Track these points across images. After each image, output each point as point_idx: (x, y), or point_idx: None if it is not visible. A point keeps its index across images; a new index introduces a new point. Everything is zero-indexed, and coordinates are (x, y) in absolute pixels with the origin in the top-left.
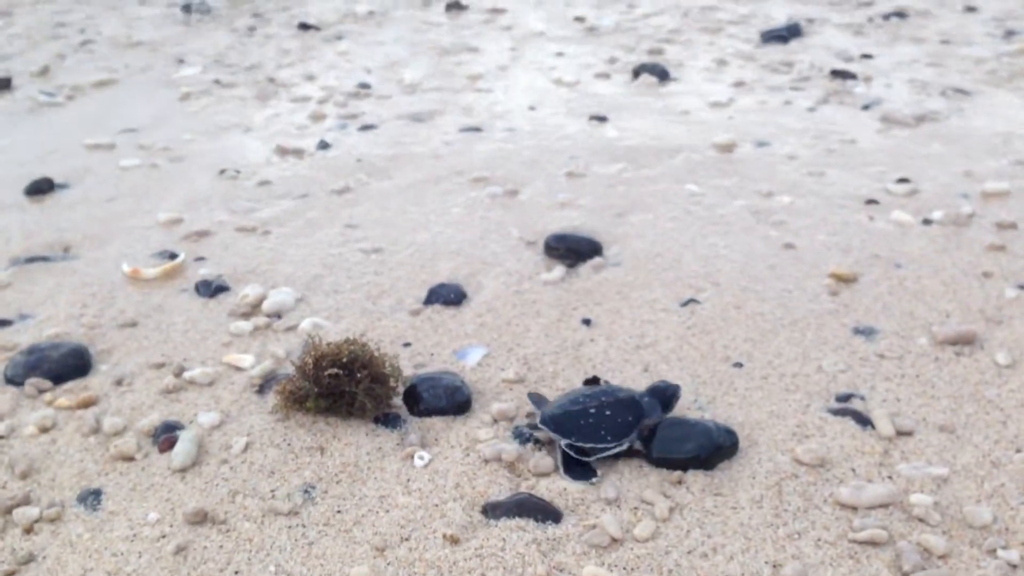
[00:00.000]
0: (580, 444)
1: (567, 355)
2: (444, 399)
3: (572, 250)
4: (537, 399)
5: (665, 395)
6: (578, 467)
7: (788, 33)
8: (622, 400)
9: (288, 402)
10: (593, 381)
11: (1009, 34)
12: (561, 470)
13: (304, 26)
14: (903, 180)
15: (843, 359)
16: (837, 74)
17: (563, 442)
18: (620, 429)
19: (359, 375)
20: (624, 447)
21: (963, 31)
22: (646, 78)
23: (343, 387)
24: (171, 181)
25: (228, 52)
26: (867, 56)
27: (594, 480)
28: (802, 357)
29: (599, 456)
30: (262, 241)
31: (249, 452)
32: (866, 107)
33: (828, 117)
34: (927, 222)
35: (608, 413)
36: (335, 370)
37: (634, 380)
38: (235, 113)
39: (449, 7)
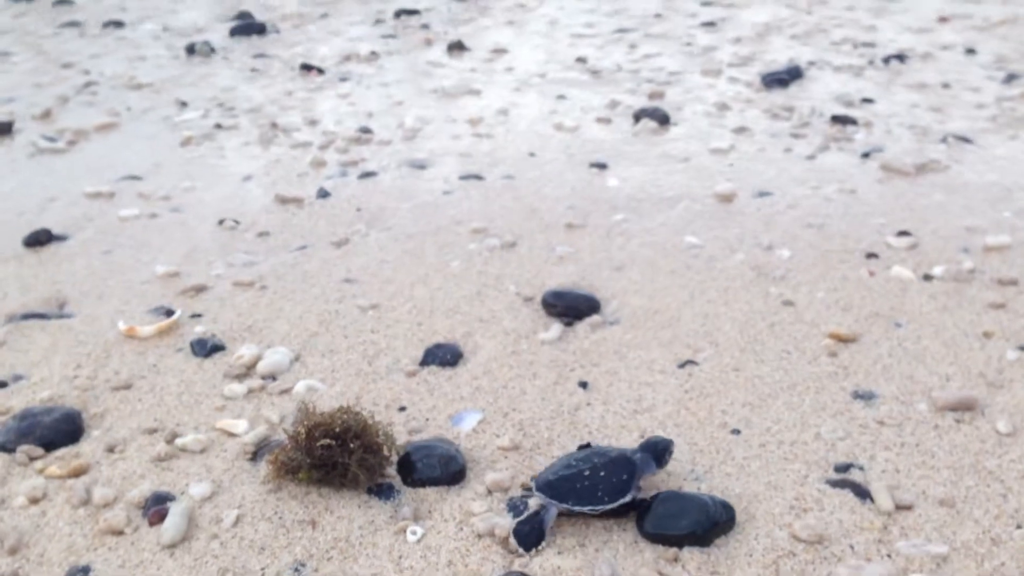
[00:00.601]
0: (578, 508)
1: (563, 420)
2: (438, 469)
3: (570, 307)
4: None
5: (657, 450)
6: (532, 535)
7: (789, 76)
8: (614, 459)
9: (280, 472)
10: (586, 447)
11: (1010, 78)
12: (511, 537)
13: (307, 67)
14: (903, 233)
15: (842, 426)
16: (837, 120)
17: (560, 507)
18: (615, 488)
19: (352, 445)
20: (623, 503)
21: (964, 75)
22: (646, 123)
23: (336, 458)
24: (170, 232)
25: (230, 94)
26: (868, 100)
27: (540, 547)
28: (801, 423)
29: (601, 510)
30: (259, 296)
31: (240, 526)
32: (866, 155)
33: (828, 165)
34: (927, 278)
35: (602, 474)
36: (328, 441)
37: (632, 446)
38: (236, 159)
39: (451, 48)
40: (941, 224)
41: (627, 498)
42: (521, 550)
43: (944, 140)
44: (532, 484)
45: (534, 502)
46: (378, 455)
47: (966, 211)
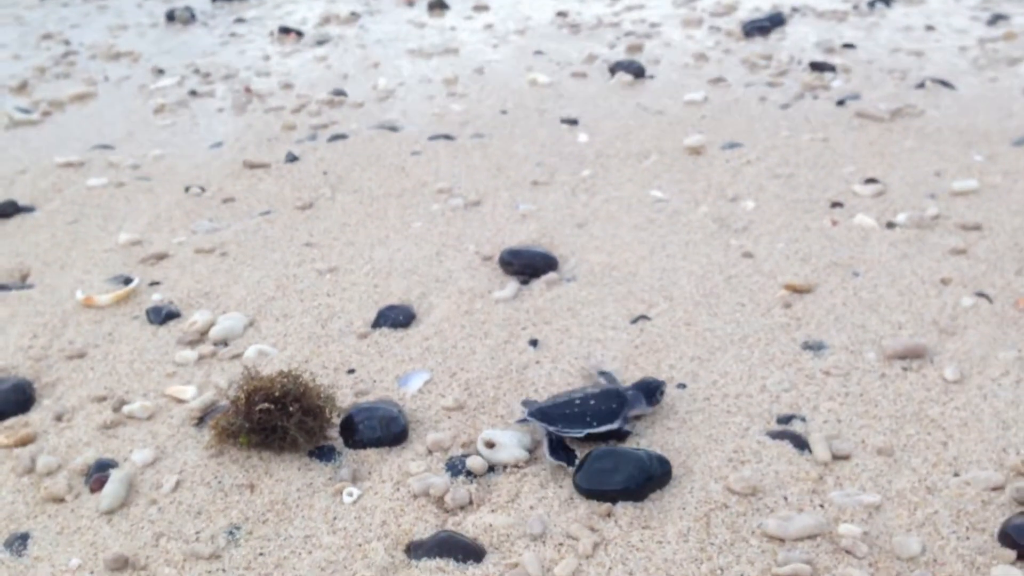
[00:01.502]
0: (566, 432)
1: (510, 379)
2: (379, 430)
3: (527, 265)
4: (527, 401)
5: (649, 388)
6: (561, 451)
7: (770, 23)
8: (606, 392)
9: (222, 438)
10: (604, 374)
11: (995, 18)
12: (546, 454)
13: (285, 30)
14: (871, 180)
15: (788, 377)
16: (816, 67)
17: (548, 429)
18: (604, 415)
19: (291, 409)
20: (609, 428)
21: (949, 16)
22: (621, 76)
23: (275, 422)
24: (136, 200)
25: (207, 60)
26: (849, 46)
27: (575, 463)
28: (747, 376)
29: (586, 434)
30: (219, 263)
31: (179, 491)
32: (841, 102)
33: (802, 114)
34: (891, 225)
35: (592, 403)
36: (266, 405)
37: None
38: (208, 126)
39: (432, 7)
40: (910, 170)
41: (614, 425)
42: (567, 467)
43: (922, 85)
44: (525, 412)
45: (471, 461)
46: (319, 418)
47: (937, 156)
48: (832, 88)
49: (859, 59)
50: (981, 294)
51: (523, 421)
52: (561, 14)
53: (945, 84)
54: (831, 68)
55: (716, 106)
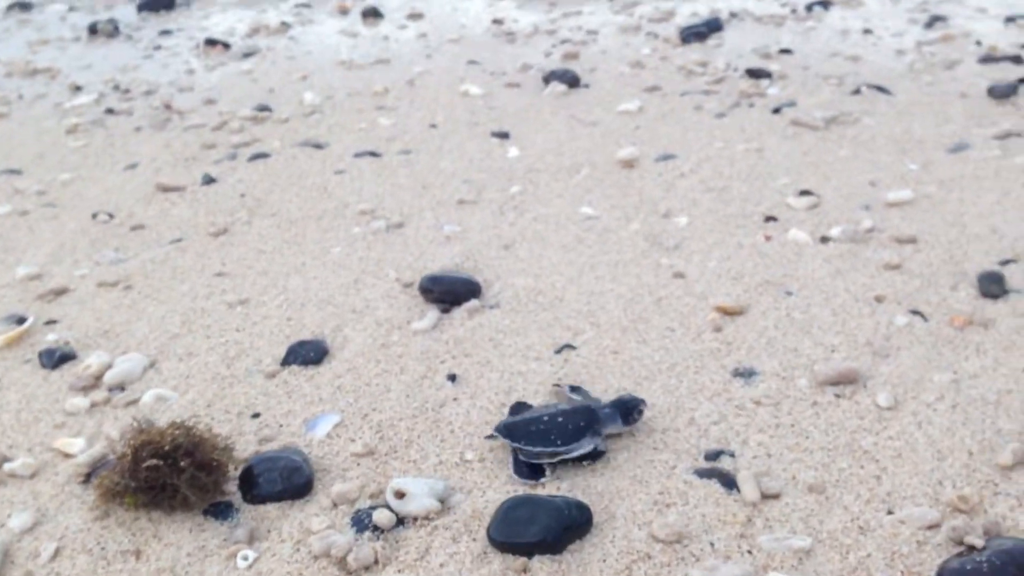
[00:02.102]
0: (528, 448)
1: (426, 419)
2: (280, 482)
3: (448, 292)
4: (516, 407)
5: (627, 407)
6: (526, 468)
7: (707, 29)
8: (575, 409)
9: (106, 498)
10: (576, 389)
11: (933, 20)
12: (511, 471)
13: (211, 42)
14: (805, 192)
15: (718, 408)
16: (752, 74)
17: (513, 446)
18: (570, 433)
19: (183, 464)
20: (576, 453)
21: (886, 19)
22: (556, 86)
23: (164, 479)
24: (40, 230)
25: (128, 75)
26: (786, 51)
27: (543, 480)
28: (675, 408)
29: (554, 460)
30: (122, 297)
31: (58, 560)
32: (777, 110)
33: (738, 123)
34: (825, 240)
35: (560, 420)
36: (154, 461)
37: (493, 448)
38: (123, 146)
39: (365, 15)
40: (844, 181)
41: (584, 448)
42: (526, 482)
43: (858, 91)
44: (495, 427)
45: (377, 515)
46: (214, 472)
47: (872, 165)
48: (768, 95)
49: (796, 64)
50: (916, 312)
51: (490, 437)
52: (497, 21)
53: (882, 90)
54: (767, 75)
55: (651, 116)
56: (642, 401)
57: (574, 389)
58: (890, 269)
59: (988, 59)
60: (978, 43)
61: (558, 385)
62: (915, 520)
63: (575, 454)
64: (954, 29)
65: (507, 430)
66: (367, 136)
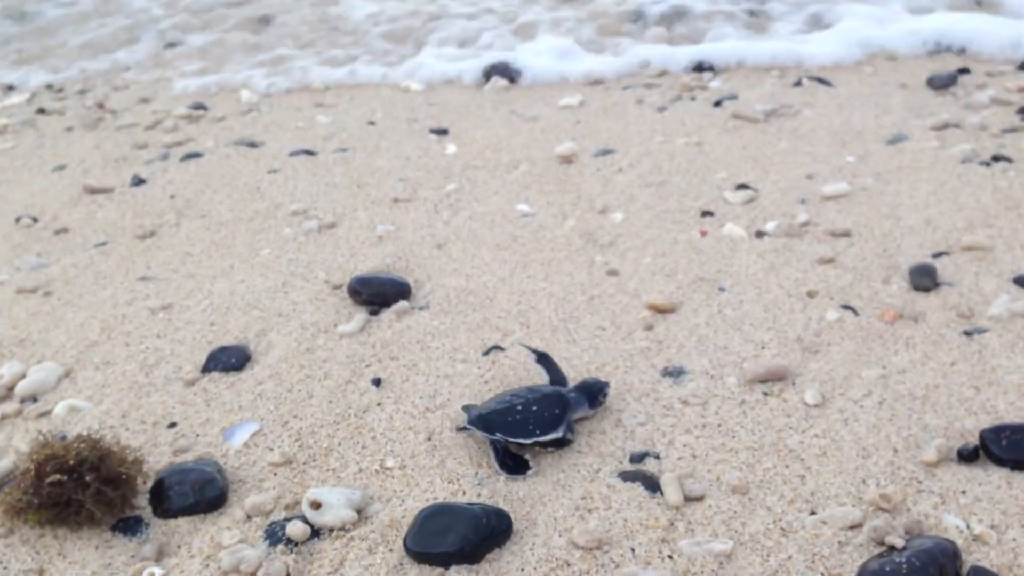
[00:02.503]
0: (508, 439)
1: (348, 425)
2: (192, 495)
3: (376, 294)
4: (468, 407)
5: (592, 391)
6: (511, 462)
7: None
8: (547, 396)
9: (10, 515)
10: (543, 357)
11: None
12: (496, 467)
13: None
14: (743, 186)
15: (645, 409)
16: (696, 68)
17: (491, 438)
18: (547, 421)
19: (88, 478)
20: (552, 437)
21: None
22: (496, 81)
23: (68, 495)
24: None
25: (61, 75)
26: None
27: (529, 473)
28: (602, 409)
29: (533, 442)
30: (41, 304)
31: None
32: (718, 103)
33: (678, 117)
34: (760, 235)
35: (535, 408)
36: (58, 476)
37: (415, 454)
38: (53, 147)
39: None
40: (782, 174)
41: (559, 433)
42: (513, 477)
43: (799, 83)
44: (466, 417)
45: (291, 528)
46: (121, 486)
47: (810, 158)
48: (710, 88)
49: (739, 55)
50: (847, 307)
51: (463, 429)
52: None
53: (823, 82)
54: (710, 68)
55: (592, 110)
56: (606, 384)
57: (541, 357)
58: (824, 263)
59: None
60: None
61: (525, 346)
62: (837, 520)
63: (547, 438)
64: None
65: (483, 422)
66: (303, 134)
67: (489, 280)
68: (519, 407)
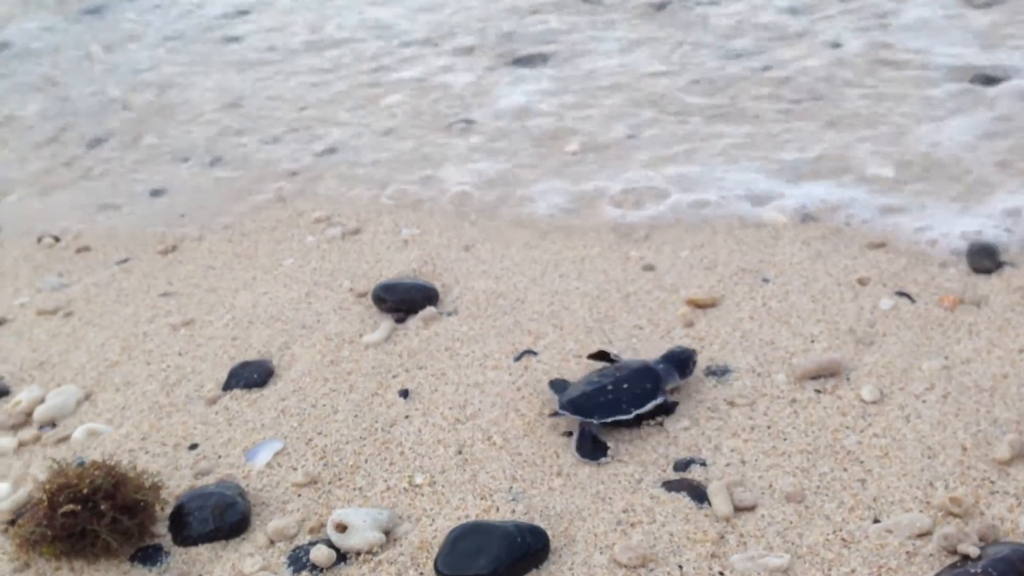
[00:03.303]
0: (603, 420)
1: (374, 440)
2: (212, 521)
3: (402, 301)
4: (558, 384)
5: (680, 360)
6: (590, 447)
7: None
8: (636, 371)
9: (24, 547)
10: (601, 355)
11: None
12: (574, 451)
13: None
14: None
15: (688, 412)
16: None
17: (591, 422)
18: (640, 397)
19: (103, 507)
20: (651, 406)
21: None
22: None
23: (84, 525)
24: None
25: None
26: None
27: (604, 460)
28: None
29: (635, 415)
30: (61, 325)
31: None
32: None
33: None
34: (806, 219)
35: (625, 386)
36: (71, 507)
37: (445, 469)
38: (69, 161)
39: None
40: (828, 148)
41: (658, 400)
42: (587, 461)
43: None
44: (557, 403)
45: (315, 553)
46: (139, 514)
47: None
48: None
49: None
50: (902, 293)
51: (556, 415)
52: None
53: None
54: None
55: (615, 100)
56: (694, 352)
57: (600, 355)
58: (874, 248)
59: None
60: None
61: (554, 380)
62: (903, 528)
63: (648, 407)
64: None
65: (574, 406)
66: (324, 138)
67: (519, 281)
68: (609, 387)
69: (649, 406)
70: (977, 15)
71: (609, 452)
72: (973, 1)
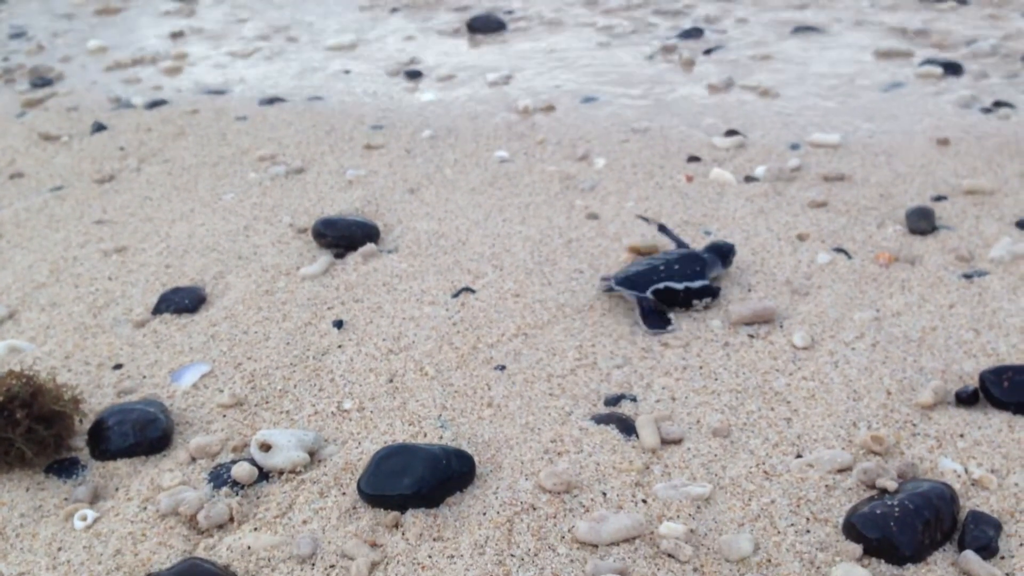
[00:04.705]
0: (668, 285)
1: (305, 368)
2: (133, 436)
3: (342, 237)
4: (606, 276)
5: (722, 251)
6: (655, 317)
7: None
8: (684, 256)
9: None
10: (663, 227)
11: None
12: (640, 322)
13: None
14: (731, 132)
15: (622, 352)
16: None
17: (647, 293)
18: (690, 275)
19: (18, 416)
20: (701, 284)
21: None
22: (479, 34)
23: None
24: None
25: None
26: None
27: (670, 329)
28: (577, 352)
29: (684, 287)
30: None
31: None
32: (708, 52)
33: (667, 66)
34: (749, 179)
35: (676, 267)
36: None
37: (374, 396)
38: (9, 95)
39: None
40: (776, 120)
41: (705, 280)
42: (653, 332)
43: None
44: (611, 280)
45: (236, 469)
46: (56, 425)
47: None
48: (704, 38)
49: (734, 15)
50: (840, 249)
51: (609, 291)
52: None
53: (814, 29)
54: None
55: (571, 57)
56: (734, 245)
57: (661, 228)
58: (815, 207)
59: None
60: None
61: (642, 217)
62: (824, 463)
63: (698, 284)
64: None
65: (630, 283)
66: (277, 81)
67: (462, 223)
68: (661, 267)
69: (699, 283)
70: None
71: (672, 325)
72: None
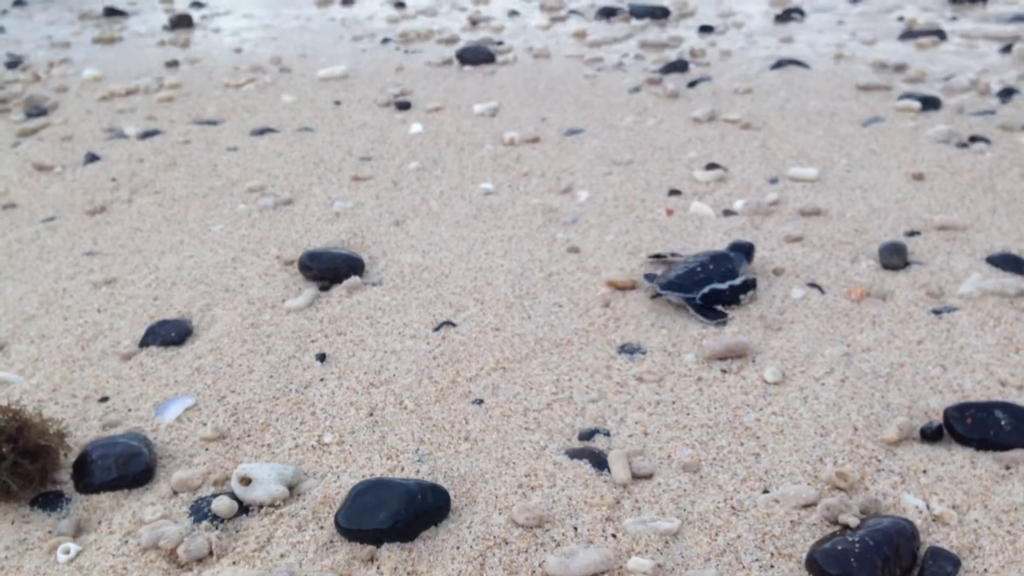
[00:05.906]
0: (715, 287)
1: (287, 401)
2: (115, 470)
3: (328, 269)
4: (649, 276)
5: (745, 248)
6: (711, 312)
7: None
8: (715, 257)
9: None
10: (659, 257)
11: None
12: (700, 319)
13: (111, 11)
14: (712, 166)
15: (597, 386)
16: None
17: (696, 297)
18: (726, 274)
19: (4, 450)
20: (742, 280)
21: None
22: (468, 65)
23: None
24: None
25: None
26: (706, 29)
27: (727, 320)
28: (554, 386)
29: (728, 286)
30: None
31: None
32: (693, 84)
33: (653, 98)
34: (728, 213)
35: (712, 268)
36: None
37: (354, 430)
38: (3, 124)
39: None
40: (757, 156)
41: (742, 276)
42: (715, 324)
43: (779, 65)
44: (656, 286)
45: (217, 503)
46: (41, 459)
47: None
48: (689, 71)
49: (726, 41)
50: (813, 284)
51: (657, 296)
52: (399, 4)
53: (800, 64)
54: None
55: (561, 90)
56: (752, 243)
57: (673, 255)
58: (791, 241)
59: (907, 35)
60: (900, 19)
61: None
62: (790, 499)
63: (739, 280)
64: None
65: (675, 286)
66: (266, 113)
67: (445, 257)
68: (698, 269)
69: (740, 280)
70: None
71: (727, 317)
72: None
